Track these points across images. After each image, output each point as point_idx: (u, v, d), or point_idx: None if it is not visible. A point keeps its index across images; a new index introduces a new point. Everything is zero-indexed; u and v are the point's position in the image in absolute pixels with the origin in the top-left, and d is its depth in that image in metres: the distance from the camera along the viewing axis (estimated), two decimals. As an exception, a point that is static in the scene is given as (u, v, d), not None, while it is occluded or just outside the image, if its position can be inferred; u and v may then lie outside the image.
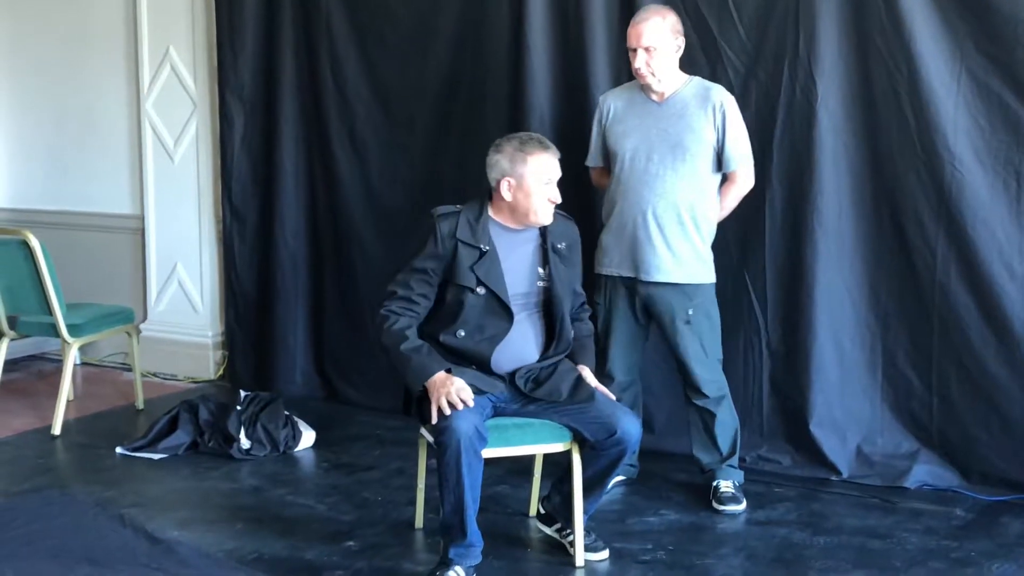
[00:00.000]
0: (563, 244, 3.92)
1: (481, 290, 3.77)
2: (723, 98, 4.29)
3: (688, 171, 4.24)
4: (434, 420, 3.61)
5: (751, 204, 4.72)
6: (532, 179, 3.76)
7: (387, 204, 5.67)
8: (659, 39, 4.19)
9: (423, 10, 5.46)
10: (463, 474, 3.55)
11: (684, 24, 4.75)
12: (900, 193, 4.53)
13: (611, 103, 4.43)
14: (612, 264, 4.38)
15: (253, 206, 6.07)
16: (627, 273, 4.35)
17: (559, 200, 3.81)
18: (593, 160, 4.53)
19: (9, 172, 7.11)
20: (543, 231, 3.90)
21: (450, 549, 3.66)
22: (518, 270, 3.85)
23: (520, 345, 3.84)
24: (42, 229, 5.87)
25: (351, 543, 4.05)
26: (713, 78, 4.72)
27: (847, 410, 4.70)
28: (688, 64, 4.76)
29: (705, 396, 4.33)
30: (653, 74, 4.22)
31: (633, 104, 4.35)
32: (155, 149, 6.44)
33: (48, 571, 3.67)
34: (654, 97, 4.30)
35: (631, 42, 4.22)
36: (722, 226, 4.72)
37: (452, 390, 3.61)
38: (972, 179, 4.37)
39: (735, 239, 4.77)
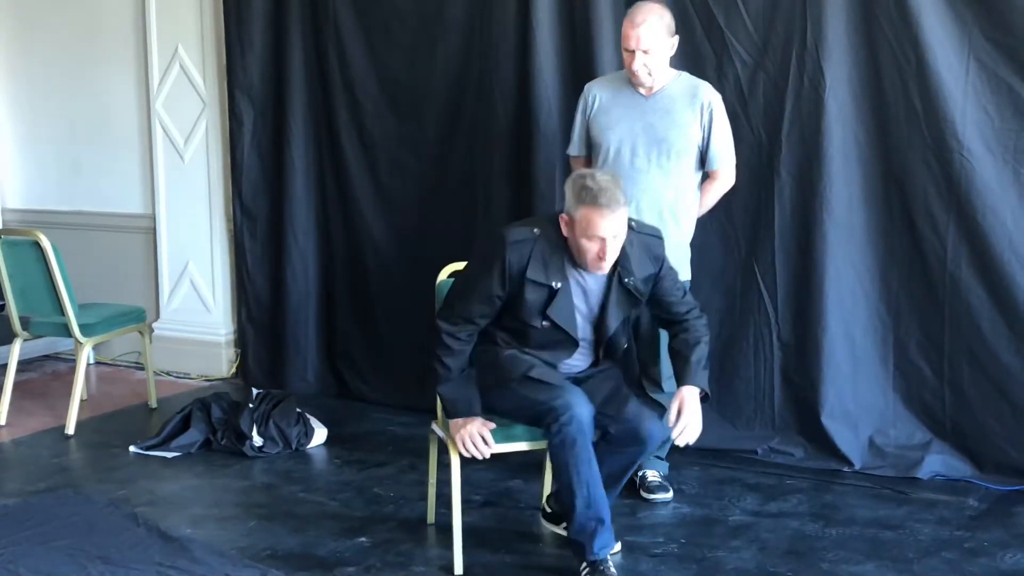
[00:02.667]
0: (634, 279, 3.69)
1: (547, 323, 3.69)
2: (711, 97, 4.27)
3: (672, 167, 4.22)
4: (459, 450, 3.67)
5: (760, 196, 4.72)
6: (579, 228, 3.55)
7: (397, 199, 5.67)
8: (657, 41, 4.15)
9: (430, 5, 5.46)
10: (586, 467, 3.55)
11: (691, 16, 4.77)
12: (909, 183, 4.52)
13: (596, 93, 4.37)
14: None
15: (264, 204, 6.08)
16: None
17: (608, 258, 3.57)
18: (576, 149, 4.48)
19: (21, 173, 7.13)
20: (617, 263, 3.67)
21: (595, 542, 3.58)
22: (585, 307, 3.73)
23: (573, 360, 3.82)
24: (54, 229, 5.89)
25: (363, 539, 4.05)
26: (720, 70, 4.73)
27: (859, 401, 4.70)
28: (695, 56, 4.78)
29: (662, 391, 4.24)
30: (650, 74, 4.20)
31: (619, 96, 4.31)
32: (165, 148, 6.45)
33: (63, 569, 3.69)
34: (642, 91, 4.27)
35: (629, 44, 4.15)
36: (730, 218, 4.73)
37: (472, 431, 3.64)
38: (981, 168, 4.35)
39: (744, 231, 4.77)
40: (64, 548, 3.85)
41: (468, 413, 3.70)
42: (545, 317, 3.67)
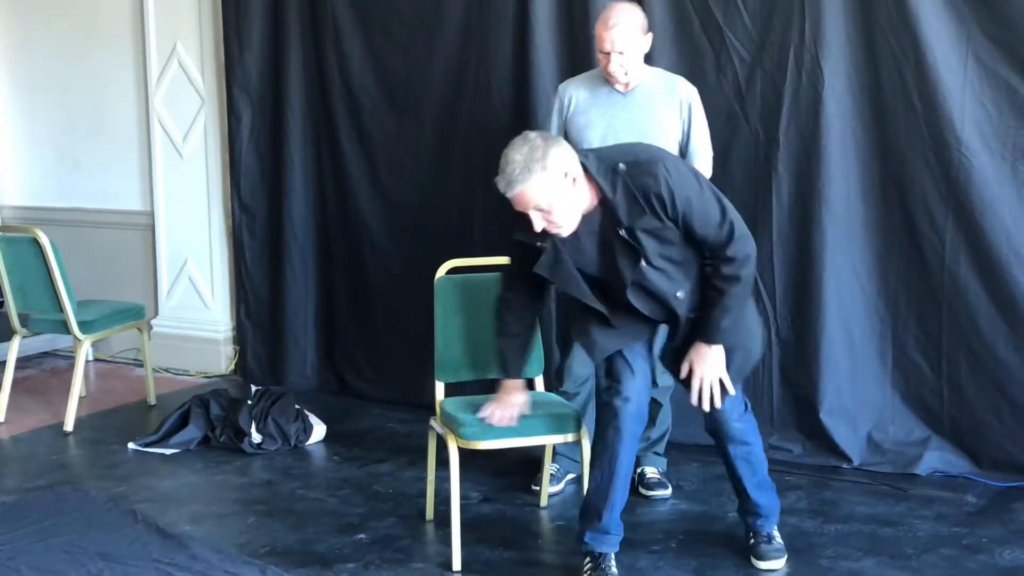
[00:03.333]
0: (624, 229, 3.43)
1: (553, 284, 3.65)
2: (690, 91, 4.28)
3: None
4: (483, 416, 3.72)
5: (758, 193, 4.72)
6: None
7: (394, 196, 5.67)
8: (631, 41, 4.13)
9: (428, 3, 5.46)
10: (620, 458, 3.56)
11: (689, 13, 4.77)
12: (908, 180, 4.52)
13: (572, 93, 4.35)
14: None
15: (262, 201, 6.08)
16: None
17: (538, 229, 3.41)
18: None
19: (19, 170, 7.13)
20: (608, 215, 3.46)
21: (586, 532, 3.63)
22: (588, 266, 3.55)
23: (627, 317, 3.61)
24: (53, 226, 5.89)
25: (362, 536, 4.06)
26: (718, 67, 4.73)
27: (857, 398, 4.70)
28: (693, 53, 4.79)
29: (656, 386, 4.20)
30: (626, 74, 4.19)
31: (597, 94, 4.29)
32: (164, 145, 6.45)
33: (61, 567, 3.68)
34: (619, 88, 4.25)
35: (604, 46, 4.12)
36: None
37: (495, 413, 3.70)
38: (980, 165, 4.35)
39: (742, 228, 4.77)
40: (63, 545, 3.85)
41: (504, 374, 3.75)
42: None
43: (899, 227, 4.57)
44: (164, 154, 6.46)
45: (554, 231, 3.43)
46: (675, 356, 3.64)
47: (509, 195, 3.36)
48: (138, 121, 6.60)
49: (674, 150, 4.25)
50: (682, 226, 3.45)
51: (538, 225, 3.40)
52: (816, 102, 4.58)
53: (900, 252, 4.59)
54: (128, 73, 6.59)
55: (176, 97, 6.37)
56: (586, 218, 3.47)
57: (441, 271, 4.12)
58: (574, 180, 3.38)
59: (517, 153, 3.35)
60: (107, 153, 6.76)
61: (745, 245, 3.50)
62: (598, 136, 4.22)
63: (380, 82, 5.65)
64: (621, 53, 4.12)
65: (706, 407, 3.56)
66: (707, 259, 3.53)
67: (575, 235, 3.48)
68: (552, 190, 3.34)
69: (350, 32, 5.68)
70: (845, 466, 4.63)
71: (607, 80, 4.25)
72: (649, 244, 3.46)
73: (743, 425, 3.67)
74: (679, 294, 3.53)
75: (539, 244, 3.51)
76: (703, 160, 4.32)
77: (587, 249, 3.53)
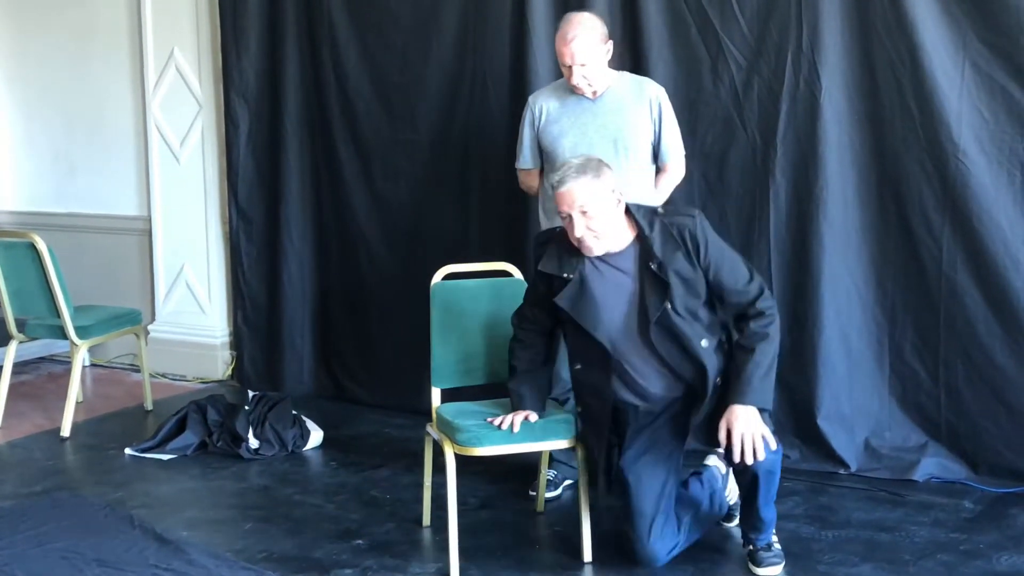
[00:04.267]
0: (657, 262, 3.58)
1: (568, 319, 3.68)
2: (659, 93, 4.31)
3: (630, 165, 4.21)
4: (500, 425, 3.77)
5: (755, 198, 4.73)
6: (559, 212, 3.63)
7: (391, 201, 5.67)
8: (592, 53, 4.14)
9: (424, 8, 5.46)
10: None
11: (686, 18, 4.77)
12: (905, 185, 4.52)
13: (542, 104, 4.35)
14: None
15: (259, 206, 6.08)
16: None
17: (582, 233, 3.56)
18: (528, 162, 4.42)
19: (16, 175, 7.13)
20: (642, 252, 3.64)
21: None
22: (611, 303, 3.65)
23: (642, 382, 3.71)
24: (50, 232, 5.89)
25: (359, 541, 4.05)
26: (715, 72, 4.73)
27: (855, 404, 4.70)
28: (690, 58, 4.79)
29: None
30: (590, 85, 4.20)
31: (566, 104, 4.30)
32: (161, 151, 6.45)
33: (58, 572, 3.68)
34: (588, 95, 4.26)
35: (565, 60, 4.14)
36: (725, 221, 4.73)
37: (507, 418, 3.77)
38: (977, 171, 4.36)
39: (739, 234, 4.76)
40: (60, 551, 3.84)
41: (518, 407, 3.81)
42: (566, 312, 3.66)
43: (896, 233, 4.58)
44: (161, 159, 6.46)
45: (589, 242, 3.57)
46: (707, 428, 3.61)
47: (560, 190, 3.55)
48: (135, 126, 6.60)
49: (647, 152, 4.30)
50: (712, 278, 3.59)
51: (579, 230, 3.54)
52: (813, 108, 4.58)
53: (897, 258, 4.59)
54: (125, 78, 6.59)
55: (173, 102, 6.37)
56: (619, 255, 3.63)
57: (437, 277, 4.12)
58: (619, 200, 3.58)
59: (576, 160, 3.64)
60: (104, 158, 6.76)
61: (774, 304, 3.62)
62: (571, 144, 4.23)
63: (377, 87, 5.65)
64: (583, 65, 4.15)
65: (748, 460, 3.52)
66: (736, 321, 3.62)
67: (603, 272, 3.63)
68: (599, 196, 3.54)
69: (347, 37, 5.68)
70: (842, 472, 4.63)
71: (574, 89, 4.26)
72: (677, 288, 3.57)
73: (774, 456, 3.61)
74: (703, 343, 3.59)
75: (566, 275, 3.63)
76: (676, 159, 4.37)
77: (612, 288, 3.63)
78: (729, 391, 3.56)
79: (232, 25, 6.00)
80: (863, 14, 4.50)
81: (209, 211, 6.36)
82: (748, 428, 3.50)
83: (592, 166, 3.59)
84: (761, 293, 3.62)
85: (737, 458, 3.52)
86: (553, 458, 4.38)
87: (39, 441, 5.31)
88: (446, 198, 5.49)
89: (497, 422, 3.77)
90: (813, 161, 4.60)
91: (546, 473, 4.29)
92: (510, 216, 5.17)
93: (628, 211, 3.66)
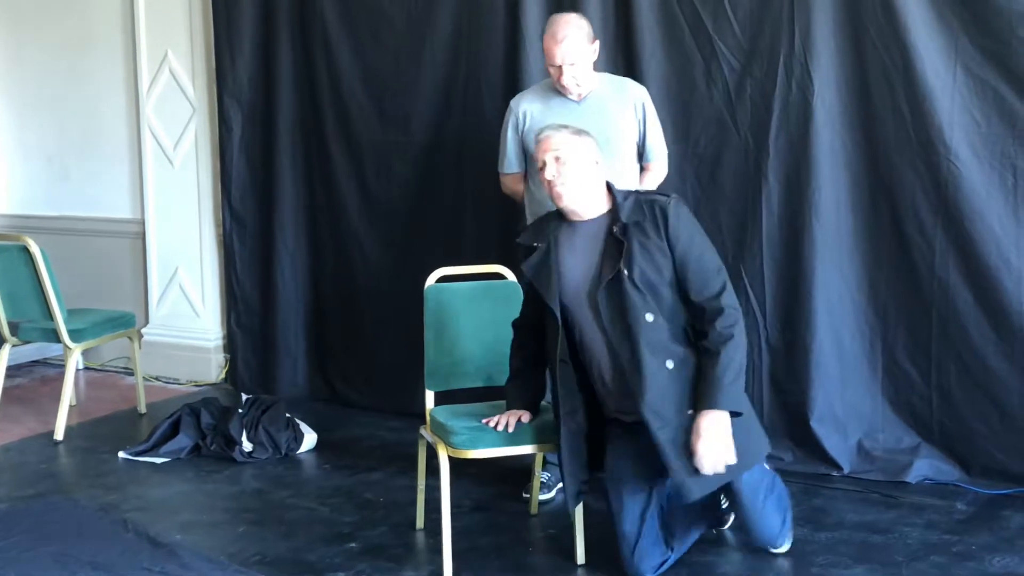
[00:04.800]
0: (621, 224, 3.52)
1: (532, 290, 3.67)
2: (641, 92, 4.37)
3: (617, 165, 4.21)
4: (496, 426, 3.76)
5: (747, 201, 4.73)
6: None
7: (384, 204, 5.67)
8: (580, 52, 4.17)
9: (418, 10, 5.46)
10: None
11: (679, 20, 4.78)
12: (897, 188, 4.53)
13: (525, 107, 4.36)
14: None
15: (253, 209, 6.08)
16: None
17: (548, 176, 3.59)
18: (512, 166, 4.43)
19: (10, 178, 7.12)
20: (611, 219, 3.60)
21: None
22: (573, 270, 3.60)
23: (596, 369, 3.63)
24: (43, 235, 5.89)
25: (353, 544, 4.05)
26: (708, 74, 4.74)
27: (847, 405, 4.70)
28: (683, 61, 4.80)
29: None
30: (579, 85, 4.23)
31: (550, 106, 4.31)
32: (155, 154, 6.45)
33: (51, 576, 3.69)
34: (572, 97, 4.28)
35: (554, 60, 4.17)
36: (717, 223, 4.73)
37: (501, 419, 3.77)
38: (969, 173, 4.37)
39: (731, 236, 4.77)
40: (53, 554, 3.84)
41: (512, 408, 3.82)
42: (531, 286, 3.68)
43: (889, 235, 4.58)
44: (155, 162, 6.45)
45: (558, 188, 3.57)
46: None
47: (542, 136, 3.68)
48: (129, 129, 6.60)
49: (633, 152, 4.33)
50: (678, 259, 3.50)
51: (549, 173, 3.59)
52: (806, 111, 4.59)
53: (890, 260, 4.60)
54: (119, 81, 6.59)
55: (167, 105, 6.37)
56: (590, 222, 3.63)
57: (431, 279, 4.13)
58: (596, 163, 3.67)
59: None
60: (98, 161, 6.75)
61: (736, 304, 3.53)
62: None
63: (370, 89, 5.65)
64: (573, 65, 4.18)
65: (708, 471, 3.40)
66: (699, 321, 3.50)
67: (572, 241, 3.62)
68: (576, 149, 3.62)
69: (340, 40, 5.68)
70: (835, 474, 4.63)
71: (559, 90, 4.29)
72: (637, 256, 3.49)
73: (750, 476, 3.54)
74: (648, 316, 3.46)
75: (536, 244, 3.64)
76: (659, 159, 4.42)
77: (579, 256, 3.61)
78: (697, 398, 3.44)
79: (226, 28, 6.00)
80: (855, 17, 4.51)
81: (203, 214, 6.36)
82: (710, 444, 3.39)
83: (577, 128, 3.69)
84: (724, 288, 3.50)
85: (703, 469, 3.42)
86: (547, 461, 4.38)
87: (32, 445, 5.30)
88: (440, 200, 5.49)
89: (493, 423, 3.77)
90: (805, 163, 4.61)
91: (540, 476, 4.30)
92: (504, 218, 5.17)
93: (609, 189, 3.69)
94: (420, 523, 4.17)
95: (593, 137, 3.72)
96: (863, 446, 4.68)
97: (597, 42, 4.29)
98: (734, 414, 3.44)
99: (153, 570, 3.73)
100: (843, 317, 4.67)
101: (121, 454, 5.08)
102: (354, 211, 5.75)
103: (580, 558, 3.84)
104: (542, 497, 4.36)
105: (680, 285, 3.53)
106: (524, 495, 4.39)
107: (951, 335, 4.50)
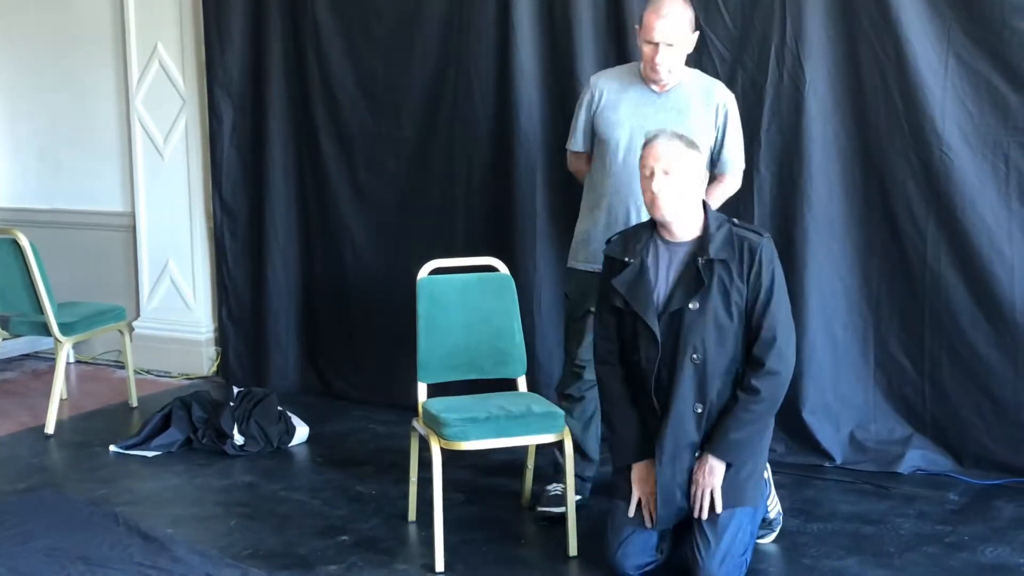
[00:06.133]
0: (706, 257, 3.48)
1: (625, 309, 3.56)
2: (727, 99, 4.10)
3: None
4: (631, 513, 3.60)
5: (739, 192, 4.70)
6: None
7: (376, 196, 5.65)
8: (681, 35, 3.92)
9: (409, 2, 5.44)
10: None
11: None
12: (889, 178, 4.53)
13: (603, 86, 4.11)
14: (596, 260, 3.95)
15: (244, 202, 6.06)
16: None
17: (655, 188, 3.49)
18: (579, 144, 4.21)
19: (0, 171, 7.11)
20: (699, 246, 3.54)
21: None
22: (658, 284, 3.55)
23: (678, 412, 3.55)
24: (33, 228, 5.87)
25: (345, 537, 4.05)
26: (699, 64, 4.70)
27: (840, 397, 4.71)
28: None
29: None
30: (670, 71, 3.96)
31: (628, 91, 4.07)
32: (145, 146, 6.42)
33: (42, 570, 3.67)
34: (654, 87, 4.05)
35: (652, 35, 3.89)
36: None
37: (638, 496, 3.61)
38: (961, 163, 4.37)
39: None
40: (44, 548, 3.83)
41: (621, 461, 3.67)
42: (624, 301, 3.56)
43: (881, 226, 4.58)
44: (145, 155, 6.43)
45: (661, 200, 3.48)
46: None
47: (654, 142, 3.55)
48: (119, 122, 6.57)
49: (706, 157, 3.94)
50: (752, 302, 3.49)
51: (656, 184, 3.49)
52: (797, 101, 4.58)
53: (882, 251, 4.60)
54: (109, 74, 6.56)
55: (157, 98, 6.34)
56: (681, 244, 3.57)
57: (423, 271, 4.12)
58: (702, 182, 3.61)
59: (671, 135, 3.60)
60: (88, 154, 6.73)
61: (787, 364, 3.54)
62: (626, 136, 4.02)
63: (361, 82, 5.63)
64: (670, 45, 3.91)
65: (695, 514, 3.52)
66: (744, 371, 3.53)
67: (661, 259, 3.56)
68: (687, 163, 3.52)
69: (331, 32, 5.66)
70: (827, 465, 4.64)
71: (642, 77, 4.06)
72: (714, 298, 3.48)
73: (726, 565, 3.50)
74: (695, 357, 3.48)
75: (627, 260, 3.56)
76: (735, 171, 4.18)
77: (661, 270, 3.57)
78: (706, 439, 3.55)
79: (216, 20, 5.98)
80: (847, 7, 4.50)
81: (193, 206, 6.34)
82: (702, 486, 3.52)
83: (689, 139, 3.57)
84: (775, 345, 3.49)
85: (695, 513, 3.52)
86: (540, 452, 4.37)
87: (23, 438, 5.28)
88: (431, 193, 5.48)
89: (632, 512, 3.60)
90: (797, 154, 4.60)
91: (532, 467, 4.29)
92: (495, 211, 5.16)
93: (704, 209, 3.60)
94: (412, 515, 4.16)
95: (701, 151, 3.61)
96: (855, 437, 4.68)
97: (698, 33, 4.08)
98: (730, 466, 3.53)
99: (144, 564, 3.72)
100: (835, 308, 4.67)
101: (112, 448, 5.06)
102: (345, 204, 5.74)
103: (572, 550, 3.83)
104: (554, 510, 4.15)
105: (745, 327, 3.55)
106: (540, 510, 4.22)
107: (943, 325, 4.50)
